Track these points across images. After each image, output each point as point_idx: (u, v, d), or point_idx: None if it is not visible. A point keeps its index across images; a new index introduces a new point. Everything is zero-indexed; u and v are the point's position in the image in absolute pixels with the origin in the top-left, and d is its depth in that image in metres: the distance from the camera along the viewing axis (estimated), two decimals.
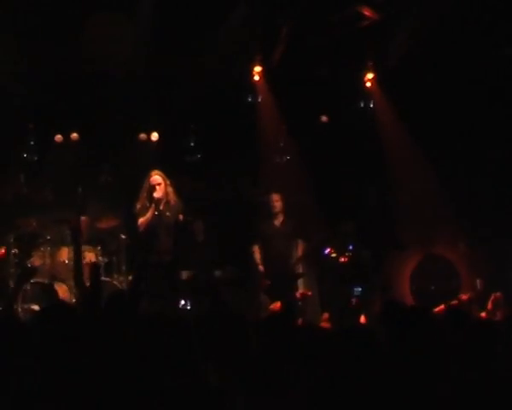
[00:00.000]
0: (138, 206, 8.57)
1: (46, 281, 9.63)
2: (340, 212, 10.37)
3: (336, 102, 10.87)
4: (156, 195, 8.45)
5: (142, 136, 11.14)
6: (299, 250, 9.63)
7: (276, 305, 7.78)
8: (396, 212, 10.75)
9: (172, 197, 8.55)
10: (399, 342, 4.28)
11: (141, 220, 8.49)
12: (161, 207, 8.47)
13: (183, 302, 9.36)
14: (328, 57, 10.40)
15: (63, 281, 9.69)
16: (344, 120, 10.97)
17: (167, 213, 8.48)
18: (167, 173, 8.78)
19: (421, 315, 4.60)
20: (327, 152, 10.83)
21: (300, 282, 9.85)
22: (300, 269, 9.87)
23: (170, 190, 8.55)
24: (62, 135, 11.03)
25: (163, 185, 8.51)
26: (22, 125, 10.94)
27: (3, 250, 9.24)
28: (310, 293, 9.66)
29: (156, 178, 8.54)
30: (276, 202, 9.49)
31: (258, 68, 10.63)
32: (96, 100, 10.46)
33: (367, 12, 9.92)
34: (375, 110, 11.07)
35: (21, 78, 10.13)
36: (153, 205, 8.43)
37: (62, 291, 9.57)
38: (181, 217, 8.54)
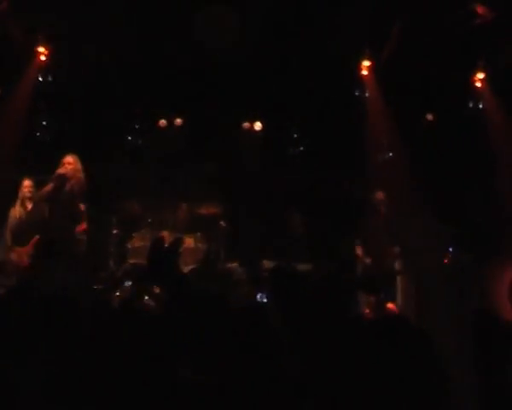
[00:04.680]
0: None
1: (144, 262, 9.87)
2: (443, 213, 10.17)
3: (444, 100, 10.65)
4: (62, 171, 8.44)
5: (246, 124, 11.20)
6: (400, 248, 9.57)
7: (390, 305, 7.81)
8: (502, 218, 10.47)
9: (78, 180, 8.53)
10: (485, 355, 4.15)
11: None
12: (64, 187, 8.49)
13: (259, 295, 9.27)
14: (438, 55, 10.18)
15: None
16: (451, 120, 10.74)
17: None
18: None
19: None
20: (432, 151, 10.62)
21: (399, 279, 9.77)
22: (398, 267, 9.80)
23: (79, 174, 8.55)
24: (166, 120, 11.20)
25: (72, 167, 8.50)
26: (128, 108, 11.14)
27: (84, 225, 9.35)
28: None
29: (68, 158, 8.56)
30: (380, 199, 9.47)
31: (366, 63, 10.49)
32: (201, 86, 10.55)
33: (481, 10, 9.69)
34: (484, 111, 10.81)
35: (128, 62, 10.31)
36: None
37: None
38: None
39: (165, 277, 4.91)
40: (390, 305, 8.79)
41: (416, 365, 3.53)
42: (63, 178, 8.42)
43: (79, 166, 8.57)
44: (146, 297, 8.40)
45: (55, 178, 8.40)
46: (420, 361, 3.46)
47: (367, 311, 8.65)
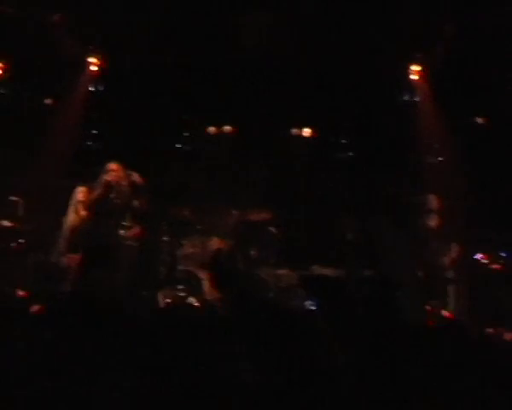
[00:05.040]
0: None
1: (195, 269, 9.92)
2: (495, 218, 10.01)
3: (496, 104, 10.49)
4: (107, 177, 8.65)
5: (295, 131, 11.21)
6: (452, 254, 9.42)
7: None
8: None
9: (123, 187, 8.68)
10: None
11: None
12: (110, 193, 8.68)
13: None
14: (490, 58, 10.04)
15: None
16: (503, 124, 10.56)
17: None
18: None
19: None
20: (485, 155, 10.46)
21: (452, 287, 9.63)
22: (451, 273, 9.64)
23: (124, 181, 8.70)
24: (216, 127, 11.26)
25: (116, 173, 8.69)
26: (177, 116, 11.23)
27: (137, 231, 9.36)
28: None
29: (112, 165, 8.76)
30: (433, 203, 9.34)
31: (417, 67, 10.41)
32: (250, 93, 10.58)
33: None
34: None
35: (179, 70, 10.40)
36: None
37: None
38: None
39: (228, 283, 4.98)
40: (446, 313, 8.68)
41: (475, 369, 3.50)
42: (109, 185, 8.60)
43: (123, 173, 8.74)
44: (196, 303, 8.45)
45: (101, 184, 8.58)
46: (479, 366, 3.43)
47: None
